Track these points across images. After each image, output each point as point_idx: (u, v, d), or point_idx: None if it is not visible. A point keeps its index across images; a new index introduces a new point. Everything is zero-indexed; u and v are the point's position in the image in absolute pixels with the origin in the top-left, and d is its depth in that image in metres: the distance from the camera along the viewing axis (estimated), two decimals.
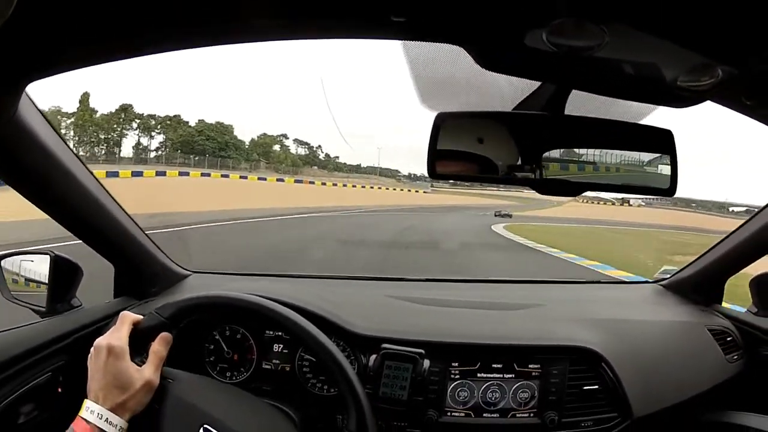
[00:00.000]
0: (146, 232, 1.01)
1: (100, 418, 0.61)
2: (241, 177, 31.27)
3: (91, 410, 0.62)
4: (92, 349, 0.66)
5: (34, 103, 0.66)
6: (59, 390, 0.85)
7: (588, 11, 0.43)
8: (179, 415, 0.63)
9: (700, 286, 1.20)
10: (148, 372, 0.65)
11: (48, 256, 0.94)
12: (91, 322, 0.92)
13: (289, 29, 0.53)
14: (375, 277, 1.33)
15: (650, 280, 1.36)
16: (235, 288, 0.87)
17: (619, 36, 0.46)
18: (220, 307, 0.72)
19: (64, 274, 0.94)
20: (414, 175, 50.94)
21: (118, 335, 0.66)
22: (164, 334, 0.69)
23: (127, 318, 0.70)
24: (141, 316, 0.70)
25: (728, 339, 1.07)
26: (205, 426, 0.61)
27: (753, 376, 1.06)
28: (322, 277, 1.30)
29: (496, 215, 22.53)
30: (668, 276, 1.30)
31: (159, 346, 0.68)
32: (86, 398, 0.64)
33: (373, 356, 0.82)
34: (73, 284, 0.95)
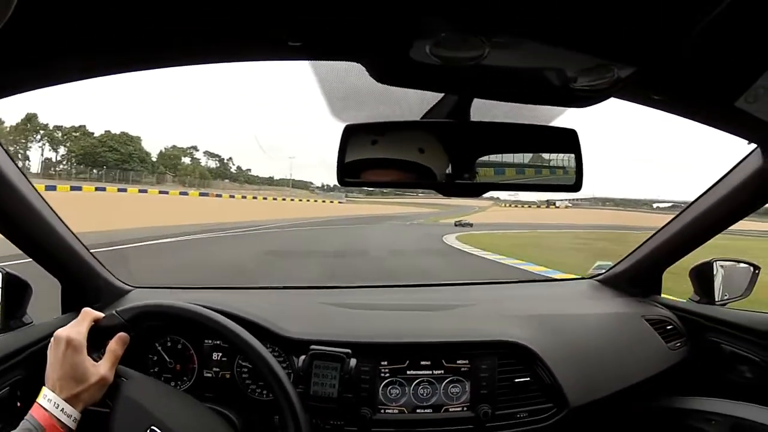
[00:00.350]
0: (89, 249, 1.02)
1: (56, 407, 0.64)
2: (140, 191, 29.88)
3: (48, 398, 0.64)
4: (52, 339, 0.69)
5: None
6: (18, 405, 0.86)
7: (469, 23, 0.46)
8: (129, 414, 0.66)
9: (636, 279, 1.24)
10: (103, 368, 0.68)
11: None
12: (43, 336, 0.93)
13: (198, 55, 0.56)
14: (310, 286, 1.37)
15: (585, 277, 1.39)
16: (177, 300, 0.89)
17: (502, 45, 0.49)
18: (177, 317, 0.74)
19: (15, 291, 0.95)
20: (327, 186, 51.18)
21: (78, 329, 0.69)
22: (122, 334, 0.72)
23: (89, 314, 0.72)
24: (102, 314, 0.73)
25: (669, 327, 1.10)
26: (152, 427, 0.64)
27: (700, 361, 1.10)
28: (258, 288, 1.33)
29: (456, 225, 21.79)
30: (603, 271, 1.34)
31: (116, 345, 0.71)
32: (44, 386, 0.66)
33: (302, 357, 0.84)
34: (23, 301, 0.96)
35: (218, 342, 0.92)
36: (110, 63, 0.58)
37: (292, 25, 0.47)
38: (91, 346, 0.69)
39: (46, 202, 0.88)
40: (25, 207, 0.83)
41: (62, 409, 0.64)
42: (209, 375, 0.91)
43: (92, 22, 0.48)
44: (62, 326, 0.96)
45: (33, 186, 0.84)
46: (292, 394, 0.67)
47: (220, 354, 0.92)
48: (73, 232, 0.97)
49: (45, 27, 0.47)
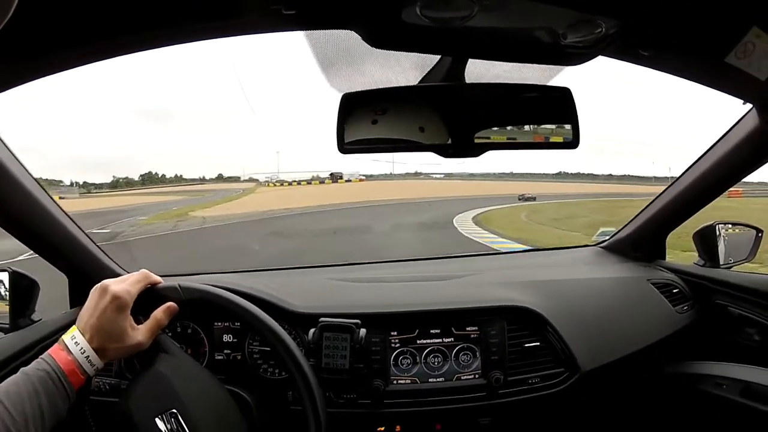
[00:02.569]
0: (94, 241, 1.03)
1: (83, 353, 0.61)
2: None
3: (76, 341, 0.61)
4: (98, 287, 0.66)
5: None
6: None
7: None
8: (156, 389, 0.64)
9: (639, 244, 1.24)
10: (141, 334, 0.66)
11: (6, 273, 0.96)
12: (52, 332, 0.94)
13: (195, 32, 0.57)
14: (319, 265, 1.37)
15: (589, 244, 1.39)
16: None
17: (490, 4, 0.50)
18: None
19: (23, 289, 0.96)
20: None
21: (128, 288, 0.66)
22: (172, 305, 0.69)
23: (147, 277, 0.70)
24: (160, 279, 0.71)
25: (675, 291, 1.11)
26: (173, 410, 0.63)
27: (707, 325, 1.10)
28: (265, 270, 1.33)
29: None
30: (606, 238, 1.34)
31: (163, 315, 0.68)
32: (74, 325, 0.64)
33: (312, 330, 0.85)
34: (31, 299, 0.96)
35: (228, 324, 0.92)
36: (105, 48, 0.59)
37: None
38: (136, 308, 0.66)
39: (50, 196, 0.89)
40: (29, 202, 0.83)
41: (88, 357, 0.61)
42: (221, 357, 0.92)
43: (83, 7, 0.48)
44: (71, 321, 0.98)
45: (36, 180, 0.85)
46: (306, 368, 0.68)
47: (231, 336, 0.92)
48: (78, 225, 0.97)
49: (39, 16, 0.47)
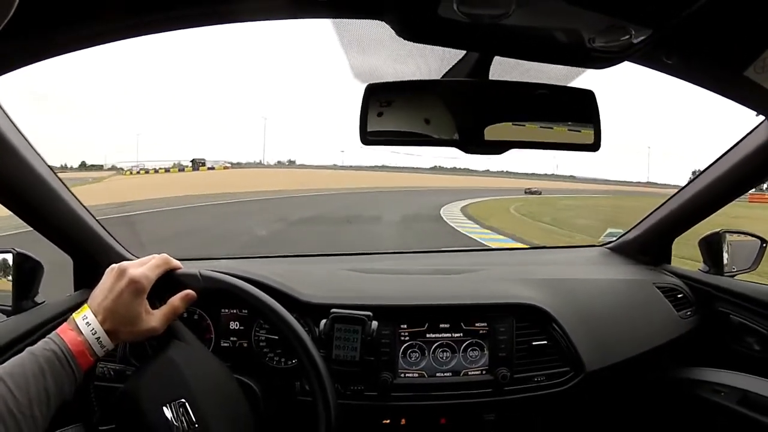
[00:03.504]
0: (102, 223, 1.02)
1: (93, 334, 0.59)
2: None
3: (87, 321, 0.60)
4: (116, 268, 0.64)
5: None
6: None
7: None
8: (166, 377, 0.63)
9: (646, 247, 1.25)
10: (156, 320, 0.64)
11: (10, 254, 0.95)
12: (56, 315, 0.93)
13: (223, 14, 0.56)
14: (326, 254, 1.36)
15: (596, 244, 1.40)
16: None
17: (527, 3, 0.50)
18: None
19: (27, 271, 0.94)
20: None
21: (147, 273, 0.64)
22: (190, 292, 0.67)
23: (167, 262, 0.68)
24: (180, 265, 0.69)
25: (679, 296, 1.12)
26: (181, 400, 0.61)
27: (708, 331, 1.11)
28: (274, 257, 1.32)
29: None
30: (614, 239, 1.35)
31: (180, 302, 0.66)
32: (86, 304, 0.62)
33: (324, 321, 0.85)
34: (35, 281, 0.95)
35: (235, 311, 0.91)
36: (127, 26, 0.57)
37: None
38: (153, 293, 0.65)
39: (57, 176, 0.87)
40: (36, 182, 0.82)
41: (99, 338, 0.59)
42: (226, 344, 0.91)
43: None
44: (76, 304, 0.96)
45: (43, 159, 0.83)
46: (317, 359, 0.67)
47: (237, 323, 0.91)
48: (85, 206, 0.96)
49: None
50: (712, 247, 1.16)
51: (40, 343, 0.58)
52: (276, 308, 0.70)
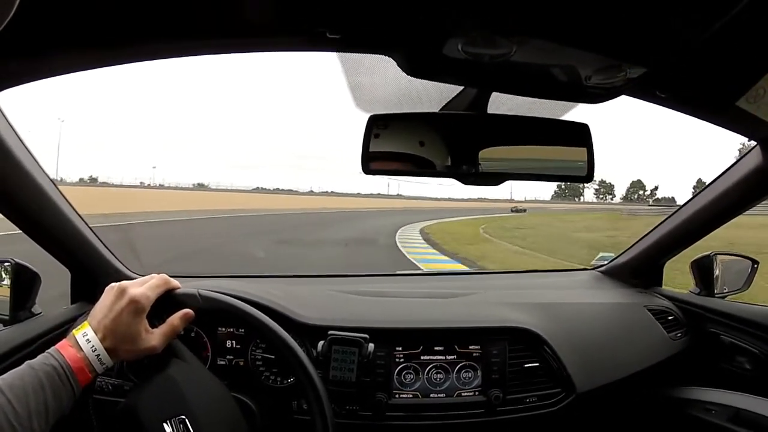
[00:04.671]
0: (100, 238, 1.02)
1: (93, 351, 0.60)
2: None
3: (88, 338, 0.60)
4: (116, 287, 0.64)
5: (1, 110, 0.69)
6: None
7: (498, 24, 0.49)
8: (166, 395, 0.64)
9: (637, 270, 1.27)
10: (156, 339, 0.65)
11: (8, 264, 0.95)
12: (52, 327, 0.93)
13: (234, 45, 0.57)
14: (321, 275, 1.38)
15: (588, 268, 1.42)
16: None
17: (527, 44, 0.51)
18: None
19: (25, 281, 0.95)
20: None
21: (147, 293, 0.65)
22: (188, 312, 0.68)
23: (166, 283, 0.69)
24: (179, 285, 0.70)
25: (670, 318, 1.13)
26: (181, 416, 0.62)
27: (700, 352, 1.13)
28: (269, 277, 1.33)
29: (512, 210, 24.95)
30: (605, 263, 1.37)
31: (179, 321, 0.67)
32: (86, 321, 0.63)
33: (321, 342, 0.85)
34: (32, 291, 0.95)
35: (232, 329, 0.92)
36: (130, 53, 0.59)
37: (335, 18, 0.49)
38: (152, 312, 0.66)
39: (58, 188, 0.88)
40: (37, 193, 0.82)
41: (98, 355, 0.60)
42: (223, 363, 0.92)
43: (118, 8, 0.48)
44: (72, 317, 0.97)
45: (45, 172, 0.84)
46: (316, 380, 0.68)
47: (234, 342, 0.92)
48: (84, 220, 0.96)
49: (49, 16, 0.47)
50: (703, 269, 1.18)
51: (39, 357, 0.58)
52: (275, 329, 0.71)
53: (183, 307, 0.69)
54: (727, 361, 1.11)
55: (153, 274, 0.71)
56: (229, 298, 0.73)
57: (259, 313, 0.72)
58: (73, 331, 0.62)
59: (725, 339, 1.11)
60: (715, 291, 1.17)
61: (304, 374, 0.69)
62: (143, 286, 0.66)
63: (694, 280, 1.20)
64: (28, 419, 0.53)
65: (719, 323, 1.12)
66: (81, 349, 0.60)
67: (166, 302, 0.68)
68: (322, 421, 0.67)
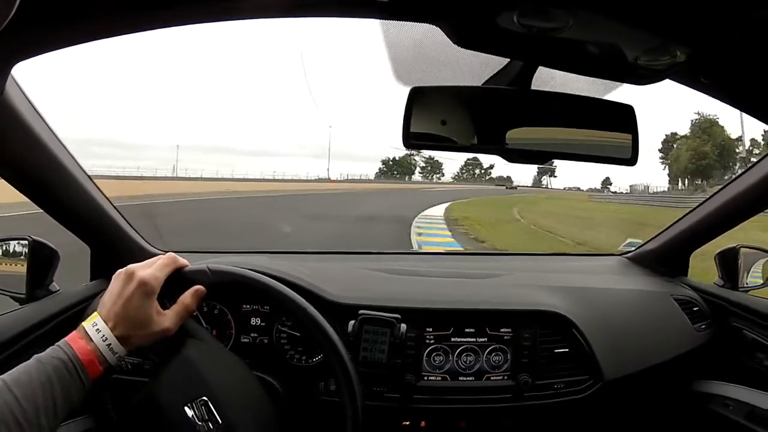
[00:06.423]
0: (121, 213, 1.00)
1: (104, 340, 0.58)
2: None
3: (98, 328, 0.59)
4: (123, 272, 0.63)
5: (18, 85, 0.66)
6: None
7: None
8: (185, 377, 0.63)
9: (664, 259, 1.25)
10: (168, 320, 0.63)
11: (26, 242, 0.93)
12: (70, 305, 0.92)
13: (282, 6, 0.54)
14: (346, 252, 1.36)
15: (615, 254, 1.41)
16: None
17: (583, 19, 0.50)
18: (265, 294, 0.71)
19: (42, 259, 0.93)
20: None
21: (156, 274, 0.63)
22: (199, 288, 0.66)
23: (174, 261, 0.67)
24: (187, 263, 0.69)
25: (695, 309, 1.12)
26: (203, 398, 0.61)
27: (721, 345, 1.12)
28: (297, 253, 1.33)
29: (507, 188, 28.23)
30: (633, 249, 1.35)
31: (191, 299, 0.65)
32: (96, 311, 0.61)
33: (352, 322, 0.84)
34: (50, 269, 0.94)
35: (257, 307, 0.90)
36: (158, 16, 0.56)
37: None
38: (163, 293, 0.64)
39: (78, 163, 0.86)
40: (57, 168, 0.81)
41: (110, 345, 0.58)
42: (246, 340, 0.90)
43: None
44: (92, 295, 0.95)
45: (66, 148, 0.82)
46: (348, 363, 0.67)
47: (259, 319, 0.91)
48: (106, 196, 0.95)
49: None
50: (728, 261, 1.16)
51: (48, 350, 0.57)
52: (295, 298, 0.69)
53: (193, 284, 0.67)
54: (747, 357, 1.10)
55: (159, 255, 0.69)
56: (240, 269, 0.71)
57: (277, 283, 0.70)
58: (83, 322, 0.61)
59: (747, 334, 1.10)
60: (740, 284, 1.16)
61: (335, 355, 0.67)
62: (151, 268, 0.65)
63: (719, 272, 1.19)
64: (35, 416, 0.51)
65: (742, 318, 1.10)
66: (91, 340, 0.58)
67: (177, 281, 0.66)
68: (352, 405, 0.65)
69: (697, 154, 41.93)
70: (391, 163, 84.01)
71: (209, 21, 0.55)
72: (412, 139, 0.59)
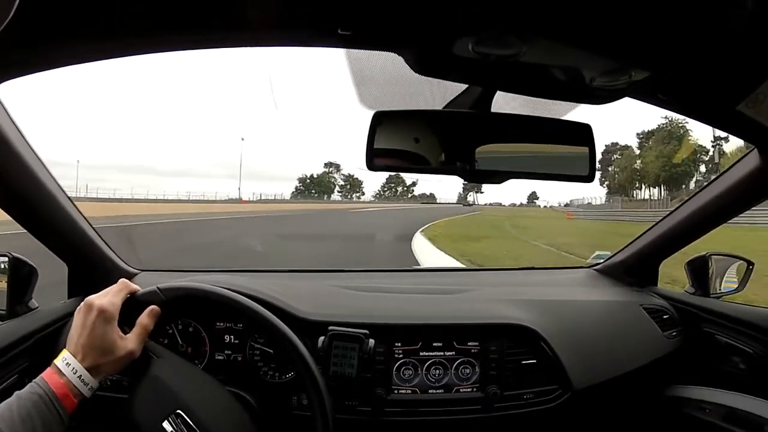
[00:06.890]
0: (98, 231, 1.02)
1: (75, 373, 0.61)
2: None
3: (67, 362, 0.62)
4: (83, 305, 0.67)
5: (2, 104, 0.69)
6: None
7: (509, 23, 0.49)
8: (155, 394, 0.65)
9: (633, 269, 1.28)
10: (131, 342, 0.67)
11: (6, 258, 0.94)
12: (50, 322, 0.92)
13: (246, 38, 0.57)
14: (319, 270, 1.39)
15: (584, 266, 1.43)
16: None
17: (538, 45, 0.52)
18: (218, 303, 0.73)
19: (22, 276, 0.94)
20: None
21: (112, 300, 0.67)
22: (154, 308, 0.70)
23: (126, 286, 0.71)
24: (139, 287, 0.72)
25: (665, 317, 1.15)
26: (178, 411, 0.63)
27: (694, 351, 1.15)
28: (267, 271, 1.34)
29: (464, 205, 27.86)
30: (601, 261, 1.38)
31: (147, 319, 0.69)
32: (64, 348, 0.64)
33: (322, 338, 0.86)
34: (29, 286, 0.95)
35: (230, 324, 0.92)
36: (149, 43, 0.58)
37: (348, 14, 0.49)
38: (122, 318, 0.67)
39: (57, 183, 0.87)
40: (37, 187, 0.82)
41: (80, 377, 0.61)
42: (221, 357, 0.92)
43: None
44: (70, 312, 0.96)
45: (44, 166, 0.83)
46: (318, 376, 0.69)
47: (232, 336, 0.92)
48: (82, 214, 0.96)
49: (50, 7, 0.47)
50: (698, 269, 1.19)
51: (27, 387, 0.60)
52: (253, 306, 0.73)
53: (147, 305, 0.70)
54: (722, 361, 1.12)
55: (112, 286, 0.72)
56: (190, 283, 0.74)
57: (231, 293, 0.73)
58: (55, 360, 0.64)
59: (720, 339, 1.12)
60: (711, 291, 1.18)
61: (304, 368, 0.69)
62: (108, 295, 0.68)
63: (690, 280, 1.22)
64: None
65: (714, 323, 1.13)
66: (63, 374, 0.61)
67: (132, 306, 0.70)
68: (322, 417, 0.67)
69: (671, 161, 41.10)
70: (308, 181, 79.07)
71: (182, 49, 0.57)
72: (375, 162, 0.61)
